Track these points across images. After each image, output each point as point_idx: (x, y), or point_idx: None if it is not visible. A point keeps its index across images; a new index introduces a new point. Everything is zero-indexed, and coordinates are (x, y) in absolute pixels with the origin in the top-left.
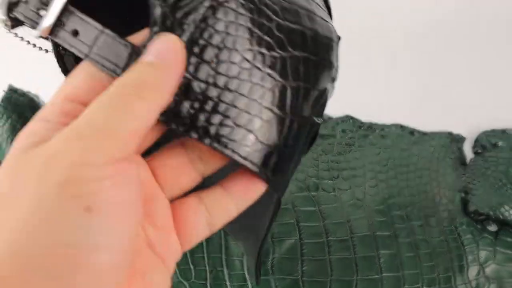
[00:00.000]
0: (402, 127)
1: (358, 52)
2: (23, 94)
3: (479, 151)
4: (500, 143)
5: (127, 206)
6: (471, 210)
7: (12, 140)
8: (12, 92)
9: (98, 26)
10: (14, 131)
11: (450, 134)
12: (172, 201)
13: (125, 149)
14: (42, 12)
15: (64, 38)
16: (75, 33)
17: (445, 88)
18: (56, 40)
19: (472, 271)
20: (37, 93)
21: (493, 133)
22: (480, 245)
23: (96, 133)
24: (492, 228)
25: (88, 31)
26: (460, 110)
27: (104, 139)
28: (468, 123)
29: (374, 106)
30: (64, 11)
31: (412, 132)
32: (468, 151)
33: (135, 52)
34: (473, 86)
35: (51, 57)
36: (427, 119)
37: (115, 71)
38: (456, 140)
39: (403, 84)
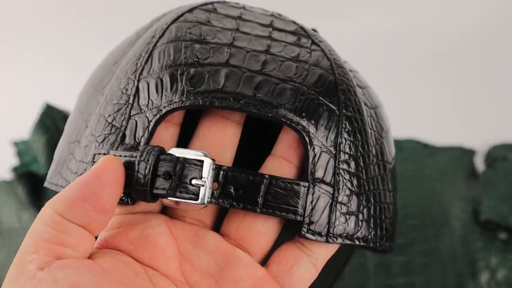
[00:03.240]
0: (416, 141)
1: (373, 67)
2: (59, 111)
3: (491, 163)
4: (510, 156)
5: None
6: (482, 219)
7: (47, 153)
8: (49, 108)
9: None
10: (49, 144)
11: (462, 147)
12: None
13: None
14: (195, 182)
15: (230, 197)
16: (238, 188)
17: (458, 103)
18: (220, 202)
19: (484, 277)
20: (70, 111)
21: (504, 146)
22: (492, 252)
23: None
24: (503, 236)
25: (250, 182)
26: (473, 124)
27: None
28: (480, 137)
29: (390, 121)
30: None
31: (425, 145)
32: (479, 164)
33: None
34: (485, 101)
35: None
36: (440, 133)
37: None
38: (468, 153)
39: (417, 99)
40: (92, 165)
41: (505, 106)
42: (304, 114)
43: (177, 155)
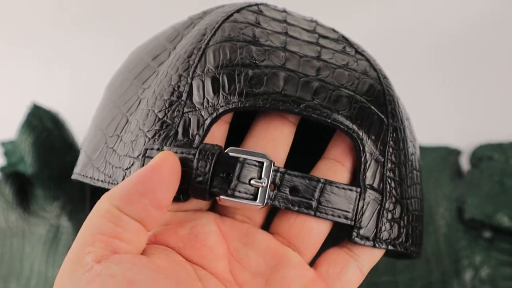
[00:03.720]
0: None
1: None
2: (46, 111)
3: (476, 163)
4: (496, 156)
5: None
6: (467, 218)
7: (34, 153)
8: (36, 108)
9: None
10: (36, 144)
11: (447, 147)
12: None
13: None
14: (253, 182)
15: (286, 199)
16: (294, 190)
17: (443, 103)
18: (276, 204)
19: (468, 275)
20: (58, 111)
21: (489, 146)
22: (475, 250)
23: None
24: (487, 235)
25: (306, 185)
26: (458, 124)
27: None
28: (465, 137)
29: None
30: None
31: None
32: (465, 164)
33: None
34: (471, 101)
35: (70, 78)
36: (425, 133)
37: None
38: (453, 153)
39: (402, 99)
40: (143, 160)
41: (490, 106)
42: (359, 122)
43: (235, 155)
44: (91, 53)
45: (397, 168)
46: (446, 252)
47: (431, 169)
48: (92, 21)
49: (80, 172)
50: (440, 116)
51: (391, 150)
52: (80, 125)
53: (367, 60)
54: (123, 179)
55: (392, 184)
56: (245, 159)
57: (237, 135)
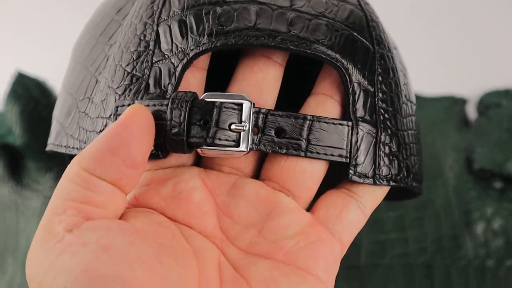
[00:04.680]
0: None
1: None
2: (32, 79)
3: (483, 111)
4: (504, 103)
5: None
6: (476, 168)
7: (21, 123)
8: (21, 77)
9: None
10: (23, 114)
11: (452, 97)
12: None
13: None
14: (234, 127)
15: (272, 142)
16: (280, 131)
17: (447, 51)
18: (261, 148)
19: (479, 227)
20: (45, 79)
21: (496, 93)
22: (486, 201)
23: None
24: (498, 185)
25: (292, 125)
26: (463, 72)
27: None
28: (470, 84)
29: None
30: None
31: (416, 96)
32: (471, 113)
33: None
34: (475, 48)
35: (57, 44)
36: (428, 83)
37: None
38: (459, 102)
39: (404, 49)
40: (115, 118)
41: (495, 51)
42: (342, 51)
43: (211, 99)
44: (78, 16)
45: (389, 98)
46: (456, 205)
47: (436, 120)
48: None
49: (54, 142)
50: (443, 64)
51: (380, 78)
52: None
53: None
54: None
55: (386, 115)
56: (222, 103)
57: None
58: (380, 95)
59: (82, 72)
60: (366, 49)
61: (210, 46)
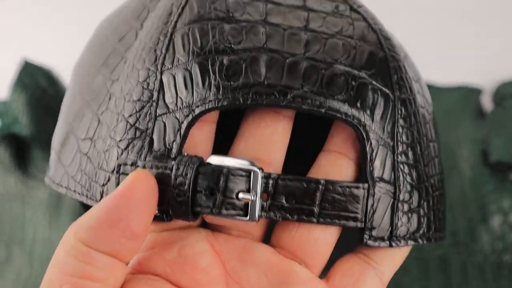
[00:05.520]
0: None
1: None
2: (38, 67)
3: (499, 102)
4: None
5: None
6: (492, 160)
7: (28, 112)
8: (28, 65)
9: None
10: (30, 103)
11: (467, 87)
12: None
13: None
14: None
15: (282, 209)
16: (290, 197)
17: (462, 40)
18: (271, 216)
19: (496, 221)
20: (51, 67)
21: None
22: (503, 194)
23: None
24: None
25: (303, 190)
26: (477, 60)
27: None
28: (486, 74)
29: None
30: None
31: (429, 87)
32: (487, 103)
33: None
34: (491, 37)
35: (64, 33)
36: (443, 72)
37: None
38: (474, 92)
39: (419, 37)
40: (118, 177)
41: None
42: (359, 105)
43: (218, 163)
44: (86, 4)
45: (410, 149)
46: (472, 197)
47: (451, 111)
48: None
49: (53, 179)
50: (458, 53)
51: (400, 129)
52: None
53: (365, 19)
54: (101, 197)
55: (406, 170)
56: (229, 170)
57: (233, 129)
58: (400, 148)
59: (84, 107)
60: (386, 97)
61: (216, 104)
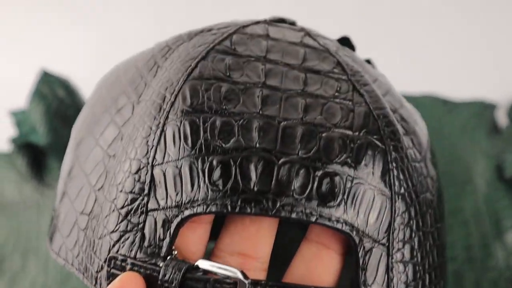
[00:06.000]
0: (435, 97)
1: (386, 17)
2: (57, 78)
3: None
4: None
5: None
6: (507, 176)
7: (46, 122)
8: (46, 75)
9: None
10: (48, 113)
11: (482, 102)
12: None
13: None
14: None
15: None
16: None
17: (477, 54)
18: None
19: (511, 236)
20: (69, 77)
21: None
22: None
23: None
24: None
25: None
26: (492, 75)
27: None
28: (501, 89)
29: (406, 76)
30: None
31: (444, 102)
32: (502, 118)
33: None
34: (506, 51)
35: (81, 43)
36: (458, 87)
37: None
38: (489, 107)
39: (433, 51)
40: (109, 271)
41: None
42: (352, 208)
43: (207, 268)
44: (104, 13)
45: (408, 246)
46: (486, 213)
47: (465, 126)
48: None
49: (53, 247)
50: (472, 68)
51: (397, 227)
52: None
53: (367, 104)
54: (95, 283)
55: (401, 269)
56: (215, 280)
57: None
58: (396, 247)
59: (81, 179)
60: (382, 196)
61: (204, 210)
